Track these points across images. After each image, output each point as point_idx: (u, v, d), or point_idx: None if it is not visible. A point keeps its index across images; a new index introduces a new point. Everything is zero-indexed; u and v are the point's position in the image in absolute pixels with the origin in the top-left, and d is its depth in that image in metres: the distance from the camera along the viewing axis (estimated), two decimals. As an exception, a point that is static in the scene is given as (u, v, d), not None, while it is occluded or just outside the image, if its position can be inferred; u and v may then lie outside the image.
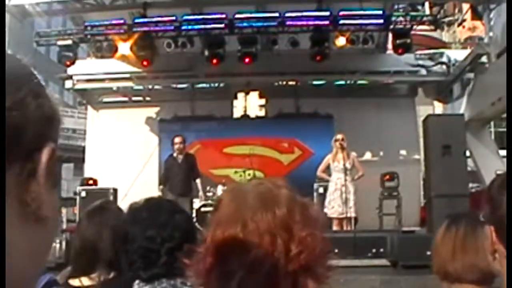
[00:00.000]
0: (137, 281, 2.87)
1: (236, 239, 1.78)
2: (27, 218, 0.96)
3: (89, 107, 21.82)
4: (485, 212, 1.99)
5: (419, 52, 20.15)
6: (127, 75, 19.65)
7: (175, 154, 15.13)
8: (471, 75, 17.63)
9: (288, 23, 16.84)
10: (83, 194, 16.30)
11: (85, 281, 3.53)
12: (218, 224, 1.85)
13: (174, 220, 2.97)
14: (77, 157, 24.54)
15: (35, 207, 0.96)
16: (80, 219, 3.89)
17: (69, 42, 17.47)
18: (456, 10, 28.61)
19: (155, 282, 2.83)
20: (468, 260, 3.05)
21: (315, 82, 19.93)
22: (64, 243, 12.52)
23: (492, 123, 25.79)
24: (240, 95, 19.70)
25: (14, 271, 0.93)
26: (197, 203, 15.51)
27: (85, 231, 3.63)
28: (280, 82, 20.31)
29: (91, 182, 17.45)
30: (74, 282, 3.55)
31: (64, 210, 28.29)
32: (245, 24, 16.99)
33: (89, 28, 17.42)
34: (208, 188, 16.21)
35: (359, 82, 20.08)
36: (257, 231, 1.77)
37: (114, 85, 20.34)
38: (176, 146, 15.06)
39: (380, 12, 17.12)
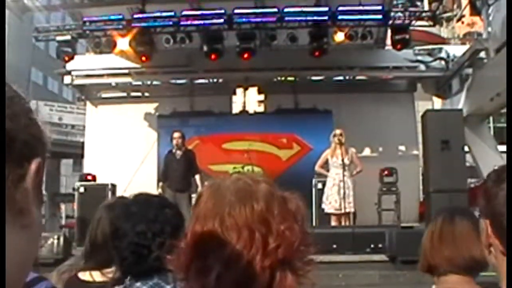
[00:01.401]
0: (128, 277, 2.87)
1: (214, 234, 1.78)
2: (13, 224, 0.99)
3: (88, 102, 21.79)
4: (480, 206, 1.99)
5: (418, 47, 20.17)
6: (126, 71, 19.61)
7: (173, 150, 15.12)
8: (470, 70, 17.65)
9: (286, 18, 16.85)
10: (82, 190, 16.31)
11: (97, 276, 3.52)
12: (197, 219, 1.85)
13: (164, 214, 2.96)
14: (76, 153, 24.60)
15: (22, 215, 1.00)
16: (99, 213, 3.83)
17: (68, 37, 17.46)
18: (455, 6, 28.62)
19: (146, 278, 2.83)
20: (447, 252, 3.06)
21: (313, 78, 19.98)
22: (62, 239, 12.49)
23: (490, 118, 25.82)
24: (239, 91, 19.70)
25: None
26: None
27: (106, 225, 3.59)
28: (279, 78, 20.33)
29: (90, 177, 17.46)
30: (84, 276, 3.54)
31: (63, 206, 28.28)
32: (243, 20, 16.99)
33: (88, 23, 17.43)
34: (206, 183, 16.19)
35: (358, 77, 20.14)
36: (235, 226, 1.77)
37: (113, 80, 20.31)
38: (174, 142, 15.04)
39: (379, 7, 17.12)
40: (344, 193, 14.33)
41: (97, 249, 3.60)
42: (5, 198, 0.95)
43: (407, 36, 17.38)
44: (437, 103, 25.11)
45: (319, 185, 15.74)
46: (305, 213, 1.89)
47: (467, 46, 19.42)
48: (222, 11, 16.86)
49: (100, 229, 3.65)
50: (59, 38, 17.60)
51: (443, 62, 19.28)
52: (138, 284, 2.82)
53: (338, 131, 14.83)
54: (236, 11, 16.86)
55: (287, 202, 1.87)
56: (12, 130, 0.98)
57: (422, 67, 19.55)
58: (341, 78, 20.13)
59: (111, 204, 3.83)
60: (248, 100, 19.62)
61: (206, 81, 20.66)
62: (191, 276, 1.80)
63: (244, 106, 19.69)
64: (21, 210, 1.00)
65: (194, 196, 15.29)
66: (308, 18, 16.86)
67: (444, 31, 34.98)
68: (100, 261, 3.53)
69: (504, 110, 18.57)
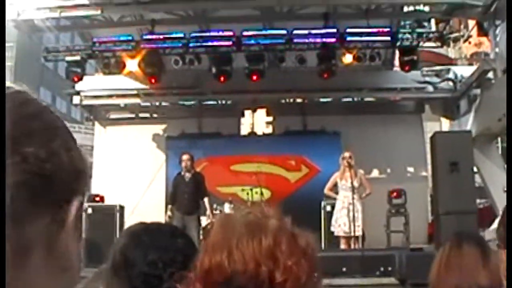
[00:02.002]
0: None
1: (222, 266, 1.79)
2: (53, 268, 0.96)
3: (96, 123, 21.88)
4: (499, 235, 1.99)
5: (425, 68, 20.15)
6: (135, 92, 19.67)
7: (182, 172, 15.13)
8: (478, 91, 17.59)
9: (295, 40, 16.85)
10: (90, 210, 16.26)
11: None
12: (206, 251, 1.87)
13: (176, 243, 2.93)
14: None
15: (63, 258, 0.97)
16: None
17: (77, 58, 17.49)
18: (462, 26, 28.66)
19: None
20: (454, 280, 3.04)
21: (322, 99, 19.97)
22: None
23: (499, 138, 25.76)
24: (247, 112, 19.73)
25: None
26: (204, 222, 15.48)
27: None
28: (287, 99, 20.36)
29: (97, 198, 17.41)
30: None
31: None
32: (252, 41, 16.99)
33: (97, 44, 17.48)
34: (215, 205, 16.16)
35: (366, 99, 20.11)
36: (242, 259, 1.78)
37: (122, 101, 20.38)
38: (183, 164, 15.05)
39: (387, 29, 17.15)
40: (353, 216, 14.30)
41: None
42: (5, 198, 0.89)
43: (415, 57, 17.38)
44: (445, 124, 25.07)
45: (328, 208, 15.71)
46: (316, 249, 1.90)
47: (474, 67, 19.39)
48: (231, 33, 16.87)
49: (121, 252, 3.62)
50: (68, 58, 17.64)
51: (451, 83, 19.27)
52: None
53: (347, 154, 14.82)
54: (245, 33, 16.89)
55: (296, 238, 1.88)
56: (52, 172, 0.93)
57: (430, 88, 19.54)
58: (349, 99, 20.10)
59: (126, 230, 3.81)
60: (257, 121, 19.64)
61: (215, 102, 20.64)
62: None
63: (253, 128, 19.71)
64: (62, 262, 0.97)
65: (202, 218, 15.31)
66: (317, 39, 16.86)
67: (451, 52, 34.97)
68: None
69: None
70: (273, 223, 1.88)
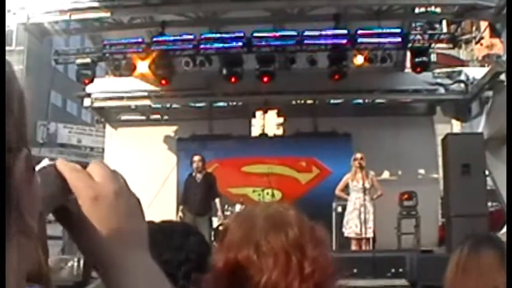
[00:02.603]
0: None
1: (250, 261, 1.78)
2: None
3: (107, 125, 21.92)
4: None
5: (437, 70, 20.11)
6: (145, 94, 19.71)
7: (194, 173, 15.15)
8: (490, 93, 17.52)
9: (306, 42, 16.82)
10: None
11: None
12: (229, 248, 1.85)
13: (189, 242, 2.93)
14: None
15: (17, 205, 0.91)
16: None
17: (87, 60, 17.52)
18: (474, 28, 28.60)
19: None
20: (470, 282, 3.00)
21: (333, 101, 19.95)
22: (82, 262, 12.43)
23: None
24: (258, 114, 19.73)
25: None
26: (215, 222, 15.48)
27: None
28: (298, 101, 20.35)
29: (109, 200, 17.41)
30: None
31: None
32: (263, 43, 16.98)
33: (107, 46, 17.50)
34: (226, 207, 16.17)
35: (377, 100, 20.09)
36: (271, 251, 1.78)
37: (132, 103, 20.41)
38: (194, 165, 15.09)
39: (398, 30, 17.11)
40: (365, 217, 14.29)
41: None
42: (5, 199, 0.87)
43: (426, 59, 17.34)
44: (456, 126, 25.01)
45: (339, 209, 15.71)
46: (330, 241, 1.91)
47: (486, 69, 19.31)
48: (242, 34, 16.86)
49: None
50: (78, 61, 17.66)
51: (462, 85, 19.19)
52: None
53: (358, 155, 14.82)
54: (256, 34, 16.87)
55: (315, 230, 1.89)
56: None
57: (442, 90, 19.48)
58: (360, 101, 20.12)
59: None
60: (267, 123, 19.64)
61: (225, 104, 20.64)
62: None
63: (263, 129, 19.72)
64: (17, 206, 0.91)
65: (214, 219, 15.31)
66: (328, 41, 16.84)
67: (463, 54, 34.92)
68: None
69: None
70: (294, 213, 1.88)
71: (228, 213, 15.95)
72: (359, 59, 17.26)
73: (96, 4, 16.18)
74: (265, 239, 1.80)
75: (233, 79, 17.32)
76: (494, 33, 18.89)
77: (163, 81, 17.90)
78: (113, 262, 1.11)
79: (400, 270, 12.52)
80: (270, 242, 1.79)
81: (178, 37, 17.09)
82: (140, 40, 17.21)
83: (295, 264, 1.76)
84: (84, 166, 1.19)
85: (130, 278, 1.12)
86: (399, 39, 16.98)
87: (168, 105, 20.80)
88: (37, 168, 1.04)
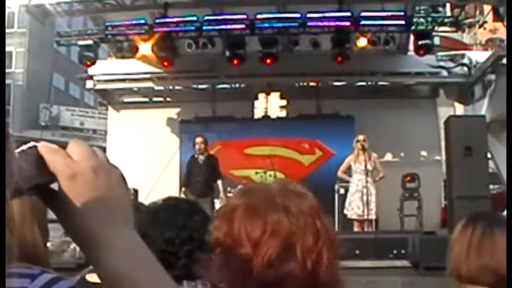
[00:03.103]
0: None
1: (281, 223, 1.76)
2: None
3: (109, 107, 21.91)
4: None
5: (440, 53, 20.07)
6: (148, 76, 19.66)
7: (196, 155, 15.16)
8: (493, 76, 17.52)
9: (309, 24, 16.75)
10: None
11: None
12: (251, 215, 1.80)
13: (193, 221, 2.94)
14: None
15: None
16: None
17: (89, 42, 17.47)
18: (477, 12, 28.49)
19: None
20: (483, 261, 3.00)
21: (336, 83, 19.97)
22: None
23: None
24: (261, 96, 19.74)
25: None
26: (217, 204, 15.49)
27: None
28: (301, 83, 20.38)
29: (112, 182, 17.41)
30: (91, 278, 3.50)
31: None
32: (266, 25, 16.92)
33: (109, 28, 17.43)
34: (228, 189, 16.17)
35: (380, 83, 20.09)
36: (301, 214, 1.78)
37: (135, 85, 20.40)
38: (197, 147, 15.09)
39: (402, 13, 17.05)
40: (367, 199, 14.32)
41: None
42: (5, 197, 0.90)
43: (429, 42, 17.29)
44: (459, 109, 24.99)
45: (342, 191, 15.77)
46: None
47: (489, 52, 19.29)
48: (244, 16, 16.80)
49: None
50: (81, 43, 17.60)
51: (465, 68, 19.16)
52: None
53: (361, 137, 14.84)
54: (259, 16, 16.81)
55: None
56: None
57: (445, 73, 19.45)
58: (363, 83, 20.13)
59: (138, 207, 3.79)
60: (270, 105, 19.65)
61: (228, 86, 20.67)
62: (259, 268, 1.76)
63: (266, 112, 19.74)
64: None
65: (216, 201, 15.32)
66: (331, 23, 16.77)
67: (466, 37, 34.83)
68: None
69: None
70: (300, 187, 1.88)
71: (230, 195, 15.96)
72: (362, 42, 17.22)
73: (98, -15, 16.18)
74: (295, 202, 1.79)
75: (236, 61, 17.27)
76: (497, 17, 18.76)
77: (166, 63, 17.86)
78: (94, 240, 1.11)
79: (403, 251, 12.58)
80: (298, 206, 1.79)
81: (180, 19, 17.04)
82: (142, 22, 17.14)
83: (319, 228, 1.77)
84: (63, 146, 1.20)
85: (111, 255, 1.12)
86: (402, 22, 16.91)
87: (171, 87, 20.82)
88: (19, 150, 1.06)
